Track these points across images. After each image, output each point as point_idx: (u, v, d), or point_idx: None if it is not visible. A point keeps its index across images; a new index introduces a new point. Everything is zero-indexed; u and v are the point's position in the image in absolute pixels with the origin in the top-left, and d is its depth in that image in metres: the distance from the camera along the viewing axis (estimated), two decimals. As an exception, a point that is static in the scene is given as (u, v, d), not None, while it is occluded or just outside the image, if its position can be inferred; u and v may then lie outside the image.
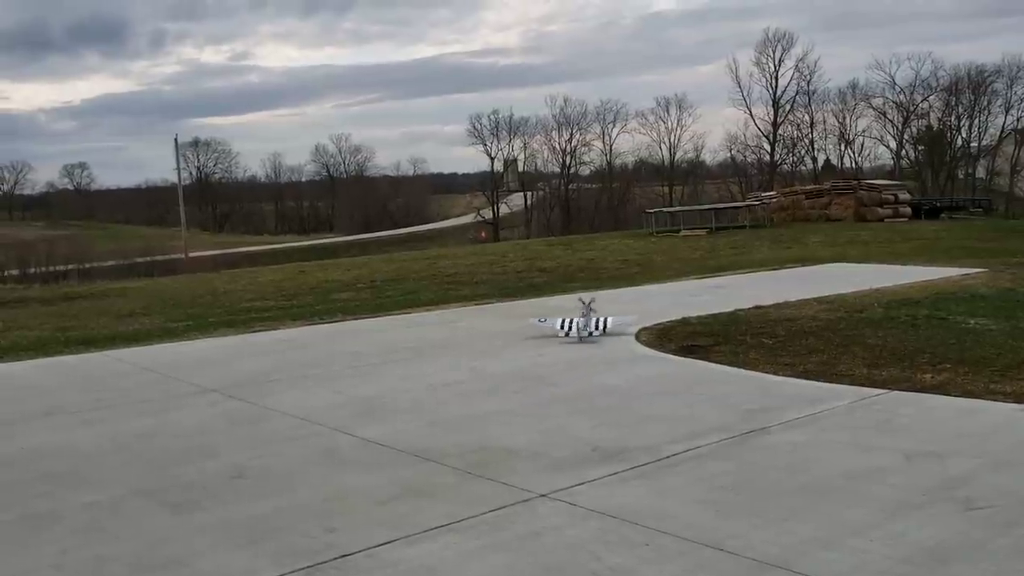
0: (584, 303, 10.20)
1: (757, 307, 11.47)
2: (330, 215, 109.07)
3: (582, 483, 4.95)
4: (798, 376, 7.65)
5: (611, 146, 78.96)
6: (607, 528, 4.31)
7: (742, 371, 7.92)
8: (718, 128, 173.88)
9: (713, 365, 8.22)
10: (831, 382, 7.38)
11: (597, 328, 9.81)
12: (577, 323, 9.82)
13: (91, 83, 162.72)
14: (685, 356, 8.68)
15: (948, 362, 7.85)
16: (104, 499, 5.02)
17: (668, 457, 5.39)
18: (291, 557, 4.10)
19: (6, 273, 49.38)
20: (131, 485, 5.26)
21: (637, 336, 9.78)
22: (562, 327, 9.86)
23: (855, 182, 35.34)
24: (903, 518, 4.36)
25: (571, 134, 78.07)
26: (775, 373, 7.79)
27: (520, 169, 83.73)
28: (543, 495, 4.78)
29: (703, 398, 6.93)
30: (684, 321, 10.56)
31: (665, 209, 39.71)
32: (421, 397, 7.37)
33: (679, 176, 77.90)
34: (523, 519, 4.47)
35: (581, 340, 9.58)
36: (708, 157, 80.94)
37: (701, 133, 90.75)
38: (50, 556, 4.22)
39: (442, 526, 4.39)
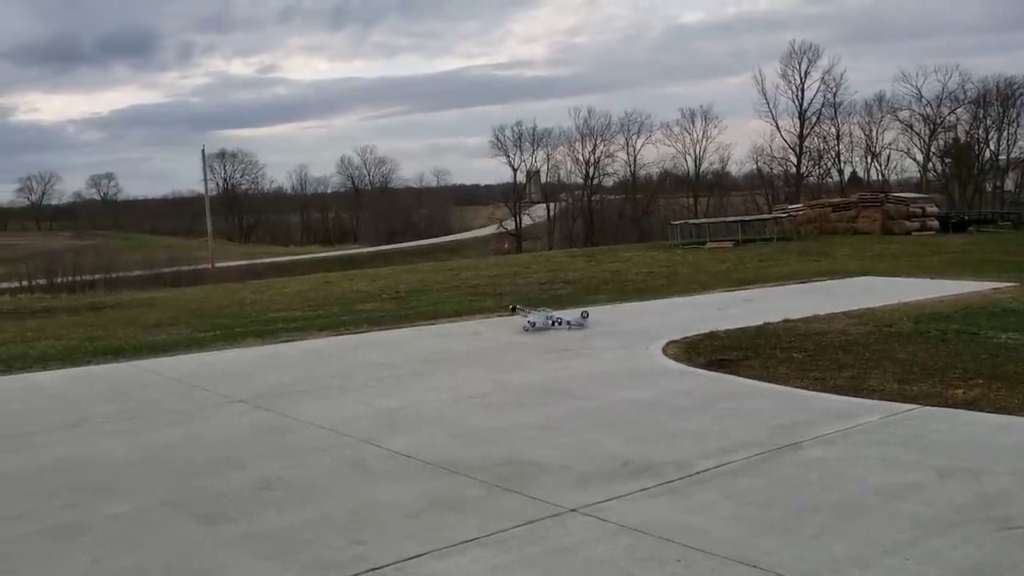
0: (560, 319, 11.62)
1: (786, 321, 11.37)
2: (354, 226, 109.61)
3: (612, 498, 4.91)
4: (828, 391, 7.56)
5: (635, 157, 78.83)
6: (638, 544, 4.27)
7: (772, 385, 7.84)
8: (744, 140, 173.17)
9: (743, 379, 8.14)
10: (862, 397, 7.29)
11: (560, 322, 11.39)
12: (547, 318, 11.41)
13: (120, 94, 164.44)
14: (714, 370, 8.60)
15: (980, 377, 7.73)
16: (132, 510, 5.04)
17: (699, 473, 5.34)
18: (320, 570, 4.09)
19: (34, 283, 49.93)
20: (159, 496, 5.28)
21: (664, 350, 9.72)
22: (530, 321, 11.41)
23: (882, 195, 35.04)
24: (937, 537, 4.28)
25: (595, 145, 78.03)
26: (805, 388, 7.71)
27: (543, 180, 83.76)
28: (572, 510, 4.75)
29: (733, 413, 6.87)
30: (712, 334, 10.48)
31: (690, 221, 39.54)
32: (447, 409, 7.36)
33: (704, 188, 77.57)
34: (553, 534, 4.43)
35: (541, 328, 11.08)
36: (734, 169, 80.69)
37: (727, 144, 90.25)
38: (80, 566, 4.24)
39: (472, 540, 4.36)
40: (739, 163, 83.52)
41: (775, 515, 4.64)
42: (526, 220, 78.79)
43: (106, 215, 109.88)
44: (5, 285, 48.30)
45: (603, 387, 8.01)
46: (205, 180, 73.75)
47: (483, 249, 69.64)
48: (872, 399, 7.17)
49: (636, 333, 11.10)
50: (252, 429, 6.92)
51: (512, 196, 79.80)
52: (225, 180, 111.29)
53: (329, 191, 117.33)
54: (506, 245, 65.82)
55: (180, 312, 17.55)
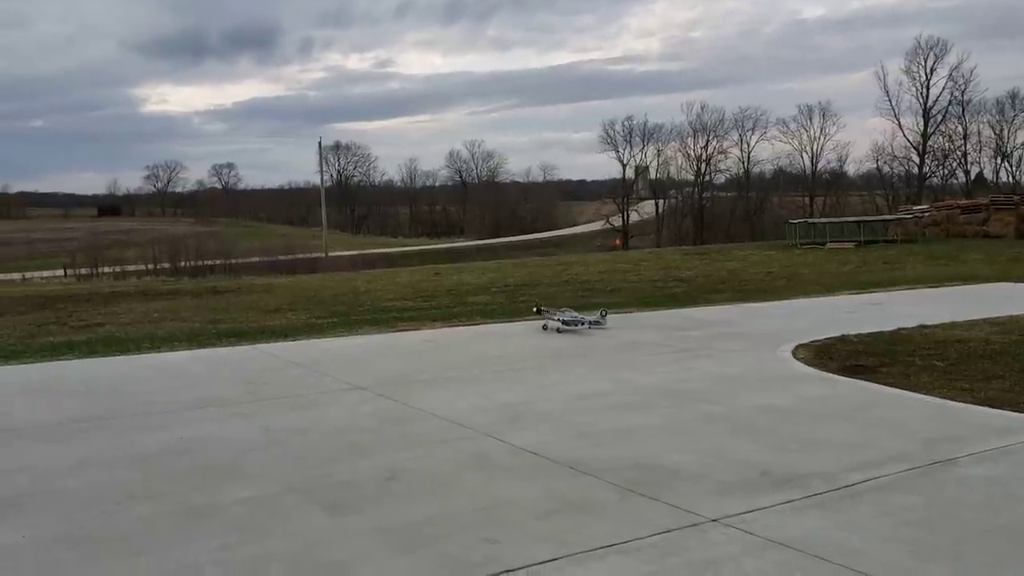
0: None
1: (922, 327, 10.73)
2: (461, 219, 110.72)
3: (754, 510, 4.59)
4: (980, 403, 7.01)
5: (749, 154, 77.04)
6: (790, 562, 3.95)
7: (916, 395, 7.33)
8: (863, 138, 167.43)
9: (883, 387, 7.64)
10: (1018, 411, 6.72)
11: (583, 323, 11.43)
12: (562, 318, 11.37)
13: (243, 87, 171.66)
14: (849, 376, 8.13)
15: None
16: (259, 495, 4.99)
17: (847, 487, 4.96)
18: (451, 568, 3.92)
19: (159, 266, 52.13)
20: (285, 481, 5.23)
21: (794, 353, 9.28)
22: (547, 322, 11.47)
23: (1017, 197, 33.10)
24: None
25: (707, 141, 76.59)
26: (953, 399, 7.17)
27: (652, 176, 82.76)
28: (714, 520, 4.45)
29: (877, 423, 6.42)
30: (843, 339, 9.98)
31: (809, 220, 38.27)
32: (567, 406, 7.14)
33: (820, 186, 75.16)
34: (695, 545, 4.15)
35: (560, 331, 11.08)
36: (851, 168, 77.97)
37: (845, 143, 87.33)
38: (211, 551, 4.18)
39: (608, 546, 4.12)
40: (857, 162, 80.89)
41: (939, 539, 4.23)
42: (633, 216, 77.93)
43: (226, 203, 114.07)
44: (133, 268, 50.73)
45: (732, 390, 7.66)
46: (321, 172, 75.96)
47: (588, 245, 69.18)
48: (1031, 414, 6.60)
49: (762, 335, 10.69)
50: (375, 417, 6.86)
51: (620, 192, 79.10)
52: (339, 172, 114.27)
53: (437, 184, 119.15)
54: (617, 241, 65.23)
55: (297, 298, 17.89)
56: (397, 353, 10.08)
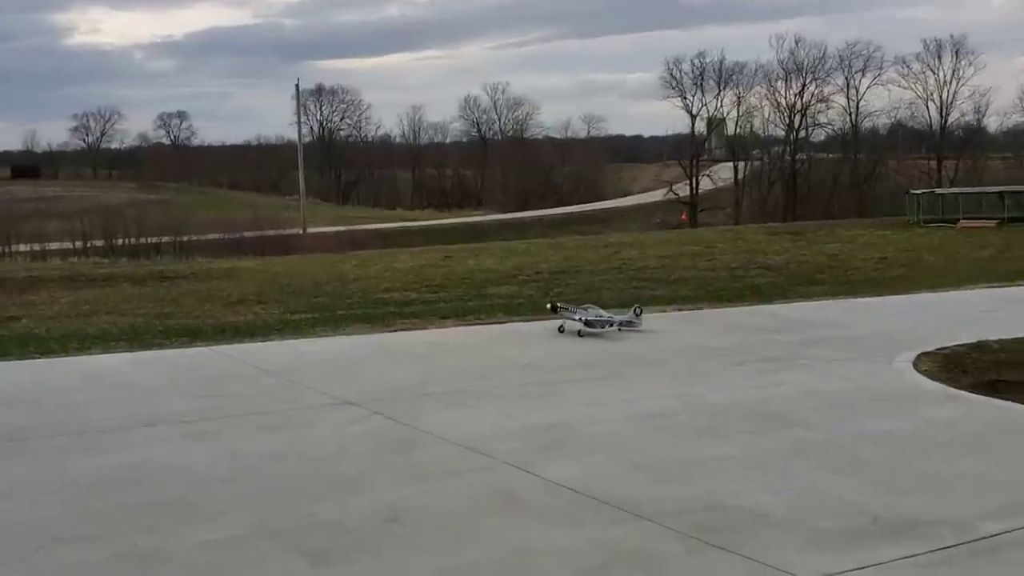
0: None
1: (1085, 331, 10.67)
2: (479, 187, 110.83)
3: (862, 567, 4.60)
4: None
5: (858, 103, 76.44)
6: (909, 635, 3.96)
7: (1076, 421, 7.32)
8: (1010, 83, 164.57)
9: (1032, 410, 7.65)
10: None
11: (611, 324, 11.38)
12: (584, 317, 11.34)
13: (197, 13, 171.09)
14: (987, 394, 8.12)
15: None
16: (224, 538, 5.07)
17: (984, 538, 4.96)
18: (468, 638, 3.98)
19: (89, 244, 52.61)
20: (257, 521, 5.30)
21: (915, 364, 9.27)
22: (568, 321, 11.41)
23: None
24: None
25: (803, 86, 76.07)
26: (1125, 427, 7.15)
27: (729, 132, 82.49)
28: (809, 580, 4.48)
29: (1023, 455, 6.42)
30: (980, 346, 9.95)
31: (936, 190, 38.04)
32: (619, 430, 7.18)
33: (952, 147, 74.56)
34: (785, 612, 4.18)
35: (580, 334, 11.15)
36: (993, 122, 77.23)
37: (985, 89, 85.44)
38: (161, 608, 4.26)
39: (671, 612, 4.16)
40: (1002, 114, 79.39)
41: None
42: (705, 184, 77.71)
43: (176, 164, 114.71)
44: (56, 246, 51.19)
45: (832, 412, 7.67)
46: (299, 124, 76.06)
47: (645, 222, 69.18)
48: None
49: (872, 340, 10.68)
50: (369, 440, 6.93)
51: (688, 152, 78.84)
52: (321, 124, 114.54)
53: (448, 141, 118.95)
54: (684, 216, 65.12)
55: (268, 287, 18.07)
56: (396, 359, 10.13)
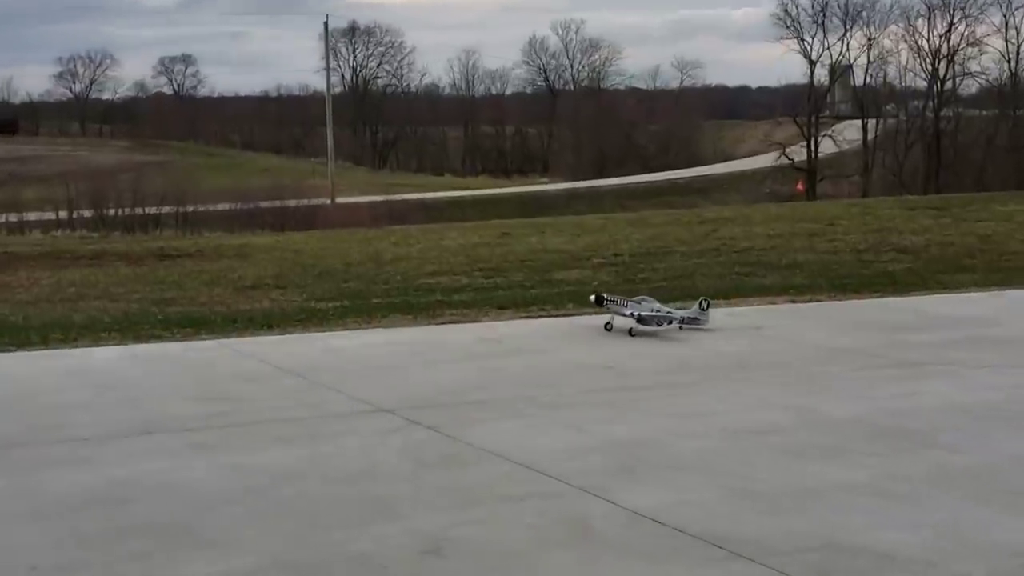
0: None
1: None
2: (545, 148, 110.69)
3: (1014, 622, 4.56)
4: None
5: (1019, 48, 75.19)
6: None
7: None
8: None
9: None
10: None
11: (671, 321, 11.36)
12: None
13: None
14: None
15: None
16: (230, 571, 5.13)
17: None
18: None
19: (76, 214, 53.18)
20: (271, 552, 5.35)
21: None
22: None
23: None
24: None
25: (950, 25, 74.97)
26: None
27: (856, 83, 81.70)
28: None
29: None
30: None
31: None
32: (716, 448, 7.19)
33: None
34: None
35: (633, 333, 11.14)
36: None
37: None
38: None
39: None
40: None
41: None
42: (827, 147, 77.01)
43: (180, 118, 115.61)
44: (36, 216, 51.79)
45: (983, 430, 7.61)
46: (328, 71, 76.42)
47: (751, 192, 68.76)
48: None
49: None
50: (408, 456, 6.96)
51: (805, 107, 78.17)
52: (354, 71, 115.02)
53: (508, 92, 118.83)
54: (800, 186, 64.57)
55: (288, 269, 18.14)
56: (442, 358, 10.17)
